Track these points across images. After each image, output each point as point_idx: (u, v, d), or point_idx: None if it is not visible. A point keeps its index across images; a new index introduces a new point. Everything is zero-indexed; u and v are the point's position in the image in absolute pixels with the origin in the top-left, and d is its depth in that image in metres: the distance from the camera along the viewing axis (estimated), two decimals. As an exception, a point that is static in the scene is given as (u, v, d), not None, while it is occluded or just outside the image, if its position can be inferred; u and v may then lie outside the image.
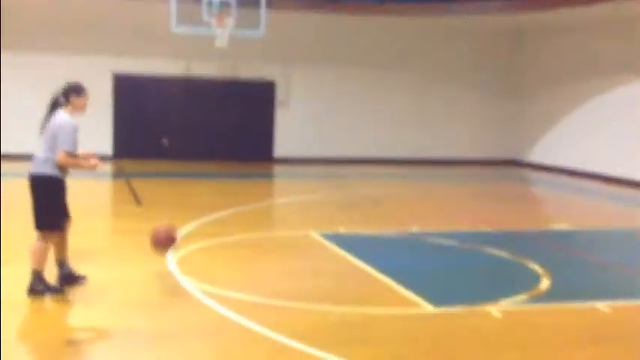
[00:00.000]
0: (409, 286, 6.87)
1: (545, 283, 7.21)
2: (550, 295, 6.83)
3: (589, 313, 6.35)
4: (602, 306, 6.48)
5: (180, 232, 8.29)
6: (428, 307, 6.34)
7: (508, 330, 5.91)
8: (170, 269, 7.23)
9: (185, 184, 14.66)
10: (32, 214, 6.22)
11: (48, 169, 6.15)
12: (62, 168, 6.21)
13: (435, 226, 10.26)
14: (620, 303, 6.66)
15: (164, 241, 6.78)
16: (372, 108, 19.25)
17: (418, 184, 16.07)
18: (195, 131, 18.09)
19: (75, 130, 6.20)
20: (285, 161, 18.44)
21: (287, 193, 14.14)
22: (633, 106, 15.97)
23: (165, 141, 17.73)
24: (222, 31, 15.10)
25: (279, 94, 18.62)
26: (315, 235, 9.20)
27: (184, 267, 7.29)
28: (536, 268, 7.80)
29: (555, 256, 8.77)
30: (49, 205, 6.19)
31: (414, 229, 9.89)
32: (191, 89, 18.12)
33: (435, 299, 6.52)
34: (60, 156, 6.09)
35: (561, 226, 10.78)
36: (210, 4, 14.93)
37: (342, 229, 9.69)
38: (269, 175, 16.81)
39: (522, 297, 6.70)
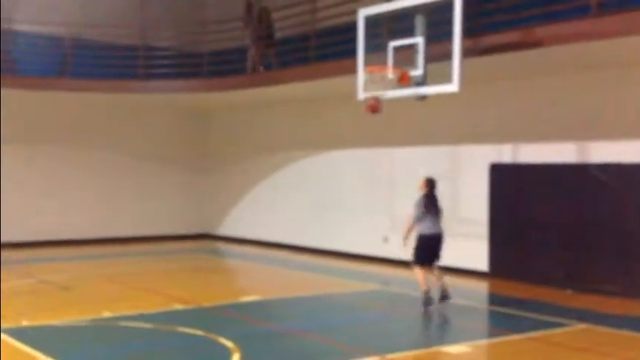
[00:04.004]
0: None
1: (235, 358, 7.45)
2: (240, 370, 7.07)
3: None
4: (287, 374, 6.89)
5: None
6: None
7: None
8: None
9: None
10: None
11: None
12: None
13: (129, 310, 10.04)
14: (303, 369, 7.13)
15: None
16: (60, 187, 18.44)
17: (111, 264, 15.63)
18: None
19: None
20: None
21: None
22: (308, 178, 17.45)
23: None
24: None
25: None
26: (-6, 333, 8.46)
27: None
28: (228, 343, 8.04)
29: (245, 329, 9.14)
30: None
31: (106, 314, 9.60)
32: None
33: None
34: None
35: (251, 297, 11.27)
36: None
37: (25, 322, 9.03)
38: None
39: (214, 375, 6.84)
